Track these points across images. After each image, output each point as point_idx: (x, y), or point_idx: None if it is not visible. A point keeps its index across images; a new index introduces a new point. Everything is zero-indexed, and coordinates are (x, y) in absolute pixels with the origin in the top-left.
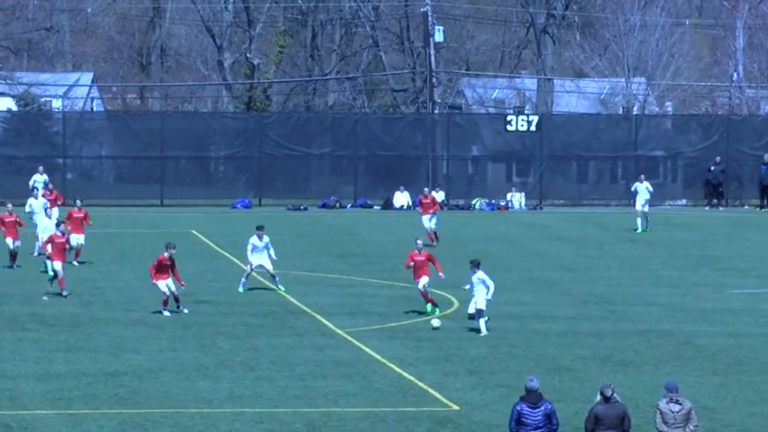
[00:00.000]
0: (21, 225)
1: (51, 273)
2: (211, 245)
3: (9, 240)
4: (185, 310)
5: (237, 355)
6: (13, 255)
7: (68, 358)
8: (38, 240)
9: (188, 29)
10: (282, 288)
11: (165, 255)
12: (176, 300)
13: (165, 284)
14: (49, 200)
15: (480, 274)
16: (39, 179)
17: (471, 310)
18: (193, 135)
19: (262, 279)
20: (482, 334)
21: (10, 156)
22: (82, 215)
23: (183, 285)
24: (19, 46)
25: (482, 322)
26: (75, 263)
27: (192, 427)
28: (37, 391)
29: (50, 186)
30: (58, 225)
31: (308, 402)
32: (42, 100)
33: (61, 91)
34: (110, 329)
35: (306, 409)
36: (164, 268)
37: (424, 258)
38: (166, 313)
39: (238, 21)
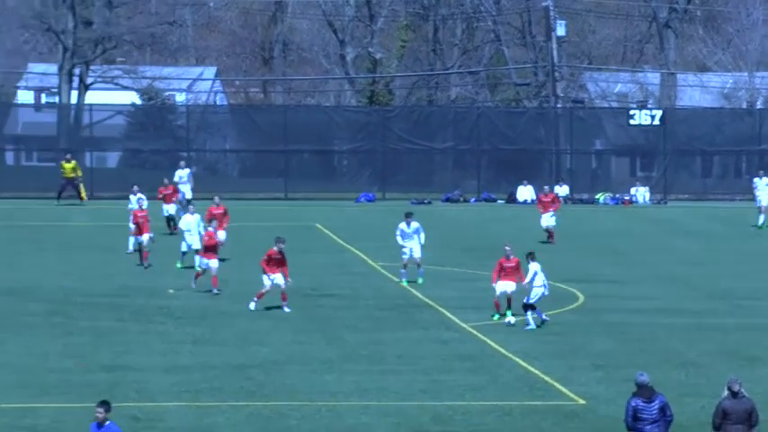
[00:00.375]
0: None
1: (199, 267)
2: (335, 238)
3: (144, 236)
4: (287, 309)
5: (363, 348)
6: (142, 251)
7: (195, 351)
8: (132, 237)
9: (310, 23)
10: (421, 281)
11: (275, 249)
12: (283, 297)
13: (272, 278)
14: (165, 194)
15: (533, 266)
16: (182, 174)
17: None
18: (317, 129)
19: (385, 272)
20: (528, 327)
21: (134, 149)
22: (221, 211)
23: (288, 281)
24: (142, 40)
25: (529, 316)
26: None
27: (318, 419)
28: (164, 383)
29: (166, 181)
30: (210, 222)
31: (434, 396)
32: (166, 94)
33: (185, 85)
34: (236, 322)
35: (432, 402)
36: (274, 262)
37: (513, 265)
38: (252, 305)
39: (360, 15)
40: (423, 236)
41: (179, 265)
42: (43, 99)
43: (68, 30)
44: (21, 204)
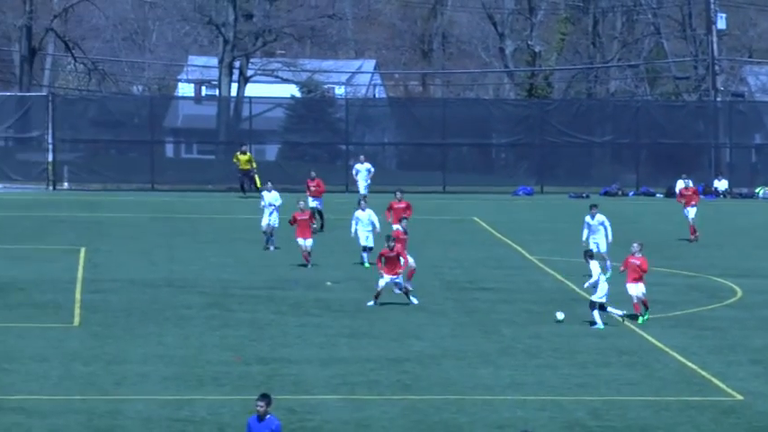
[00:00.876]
0: (314, 223)
1: (368, 264)
2: (493, 232)
3: (301, 240)
4: (415, 301)
5: (519, 342)
6: (306, 254)
7: (352, 344)
8: (269, 236)
9: (469, 16)
10: (608, 275)
11: (386, 248)
12: (406, 293)
13: (389, 279)
14: (311, 186)
15: (592, 264)
16: (360, 168)
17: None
18: (475, 122)
19: (543, 266)
20: (595, 326)
21: (294, 142)
22: (403, 206)
23: (400, 273)
24: (302, 33)
25: (595, 314)
26: None
27: (474, 413)
28: (321, 376)
29: (313, 174)
30: (400, 221)
31: (591, 390)
32: (325, 87)
33: (344, 78)
34: (392, 315)
35: (588, 397)
36: (390, 261)
37: (639, 262)
38: (370, 303)
39: (520, 8)
40: (610, 230)
41: (366, 265)
42: (203, 92)
43: (229, 22)
44: (180, 197)
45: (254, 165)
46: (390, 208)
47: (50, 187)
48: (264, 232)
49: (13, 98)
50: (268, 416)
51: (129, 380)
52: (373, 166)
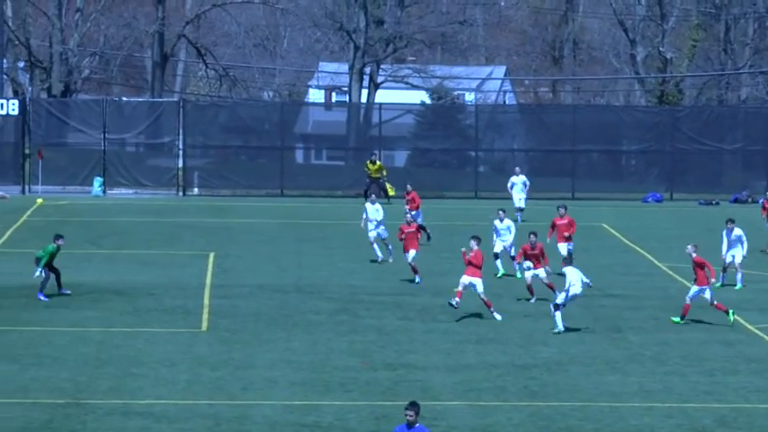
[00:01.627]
0: (419, 237)
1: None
2: (622, 239)
3: (411, 253)
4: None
5: (647, 349)
6: (414, 268)
7: (478, 350)
8: (379, 248)
9: (601, 22)
10: (739, 287)
11: (528, 244)
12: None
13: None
14: (407, 200)
15: (567, 270)
16: (516, 180)
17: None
18: (605, 129)
19: (672, 273)
20: (555, 329)
21: (423, 148)
22: (565, 221)
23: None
24: (433, 39)
25: (557, 315)
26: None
27: (600, 420)
28: (447, 382)
29: (409, 187)
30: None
31: (718, 398)
32: (455, 93)
33: (474, 84)
34: (519, 322)
35: (715, 404)
36: (532, 257)
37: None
38: (531, 299)
39: (651, 14)
40: (746, 244)
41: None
42: (333, 98)
43: (360, 29)
44: (309, 203)
45: (385, 173)
46: (553, 225)
47: (180, 193)
48: (371, 243)
49: (144, 104)
50: (417, 425)
51: (256, 385)
52: (501, 172)
